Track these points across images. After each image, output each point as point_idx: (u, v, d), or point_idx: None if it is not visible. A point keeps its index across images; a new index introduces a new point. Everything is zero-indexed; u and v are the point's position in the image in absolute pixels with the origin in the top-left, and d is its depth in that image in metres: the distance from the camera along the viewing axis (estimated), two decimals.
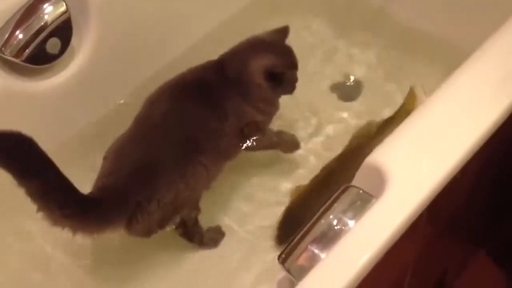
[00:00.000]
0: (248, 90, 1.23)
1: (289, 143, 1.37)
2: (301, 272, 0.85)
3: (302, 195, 1.29)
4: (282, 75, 1.25)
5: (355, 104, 1.50)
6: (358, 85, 1.53)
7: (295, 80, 1.28)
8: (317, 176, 1.31)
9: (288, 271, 0.87)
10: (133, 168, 1.13)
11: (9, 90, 1.23)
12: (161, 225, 1.18)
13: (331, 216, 0.88)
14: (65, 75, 1.31)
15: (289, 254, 0.87)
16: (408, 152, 0.88)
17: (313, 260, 0.85)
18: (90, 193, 1.12)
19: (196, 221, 1.25)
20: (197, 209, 1.24)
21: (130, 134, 1.20)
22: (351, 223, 0.86)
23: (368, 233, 0.81)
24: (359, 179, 0.91)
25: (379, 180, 0.86)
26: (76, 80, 1.32)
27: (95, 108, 1.39)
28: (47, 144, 1.01)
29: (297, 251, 0.87)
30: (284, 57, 1.26)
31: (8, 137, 0.96)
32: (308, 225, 0.89)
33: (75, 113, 1.36)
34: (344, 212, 0.88)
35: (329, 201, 0.90)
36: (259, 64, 1.23)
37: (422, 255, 1.07)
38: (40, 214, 1.02)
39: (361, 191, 0.88)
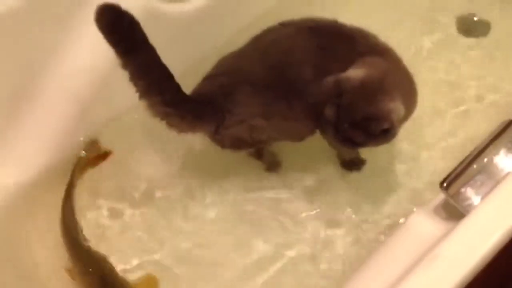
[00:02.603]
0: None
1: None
2: (467, 201, 0.87)
3: None
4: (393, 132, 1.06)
5: None
6: None
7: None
8: None
9: (451, 197, 0.88)
10: (227, 79, 1.13)
11: (149, 9, 1.25)
12: (235, 144, 1.18)
13: (497, 149, 0.88)
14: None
15: (453, 181, 0.89)
16: None
17: (480, 191, 0.86)
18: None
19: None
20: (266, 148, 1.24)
21: (243, 48, 1.18)
22: None
23: None
24: None
25: None
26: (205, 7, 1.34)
27: (220, 34, 1.41)
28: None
29: (462, 180, 0.88)
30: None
31: (116, 12, 0.96)
32: (473, 155, 0.89)
33: (202, 37, 1.38)
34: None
35: (494, 133, 0.90)
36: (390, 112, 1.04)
37: None
38: None
39: None
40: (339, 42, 1.13)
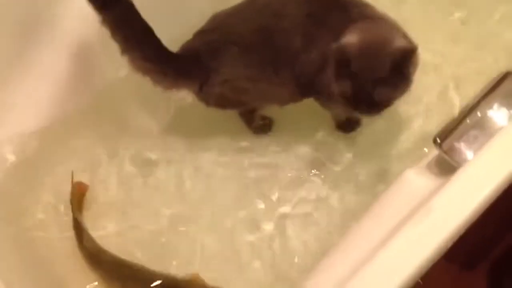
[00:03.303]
0: None
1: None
2: (460, 156, 0.86)
3: None
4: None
5: None
6: None
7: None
8: None
9: (445, 152, 0.88)
10: (216, 38, 1.12)
11: None
12: (219, 103, 1.18)
13: (491, 104, 0.88)
14: None
15: (446, 137, 0.88)
16: None
17: (473, 145, 0.86)
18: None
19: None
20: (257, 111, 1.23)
21: (237, 7, 1.15)
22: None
23: None
24: None
25: None
26: None
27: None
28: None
29: (455, 135, 0.88)
30: None
31: None
32: (466, 110, 0.89)
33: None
34: (506, 99, 0.87)
35: (487, 88, 0.89)
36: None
37: None
38: None
39: None
40: (331, 10, 1.10)
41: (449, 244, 0.74)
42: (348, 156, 1.22)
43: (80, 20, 1.20)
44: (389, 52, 0.97)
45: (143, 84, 1.11)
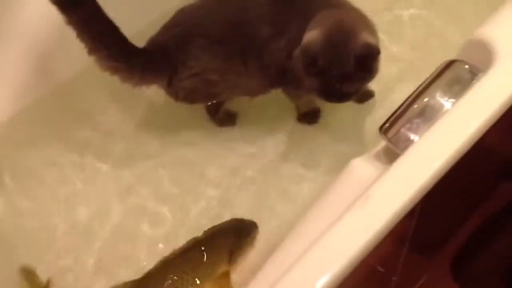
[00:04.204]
0: None
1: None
2: (404, 144, 0.87)
3: None
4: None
5: None
6: None
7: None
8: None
9: (389, 141, 0.88)
10: (183, 31, 1.13)
11: None
12: (189, 97, 1.18)
13: (434, 92, 0.89)
14: None
15: (391, 125, 0.89)
16: None
17: (417, 133, 0.87)
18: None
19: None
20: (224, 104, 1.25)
21: (201, 0, 1.17)
22: (454, 98, 0.87)
23: (479, 103, 0.81)
24: (463, 55, 0.90)
25: (486, 55, 0.85)
26: None
27: None
28: None
29: (399, 123, 0.89)
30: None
31: None
32: (411, 99, 0.90)
33: None
34: (449, 86, 0.88)
35: (432, 76, 0.90)
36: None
37: None
38: None
39: (466, 66, 0.88)
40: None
41: (387, 230, 0.75)
42: (315, 144, 1.25)
43: (39, 16, 1.20)
44: (353, 48, 1.00)
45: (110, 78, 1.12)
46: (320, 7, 1.09)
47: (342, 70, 1.01)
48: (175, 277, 1.01)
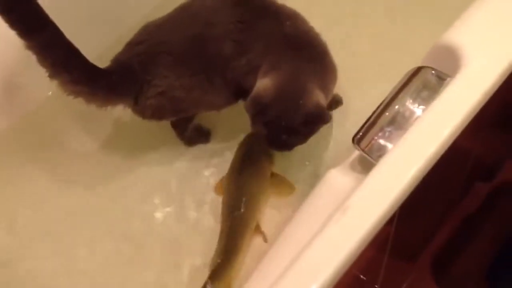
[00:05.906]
0: None
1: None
2: (378, 153, 0.88)
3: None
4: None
5: None
6: None
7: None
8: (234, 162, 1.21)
9: (363, 151, 0.89)
10: (147, 49, 1.13)
11: None
12: (156, 114, 1.18)
13: (404, 99, 0.89)
14: None
15: (364, 135, 0.89)
16: (483, 30, 0.88)
17: (390, 141, 0.87)
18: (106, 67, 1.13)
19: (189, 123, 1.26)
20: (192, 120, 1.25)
21: (168, 17, 1.16)
22: (424, 104, 0.88)
23: (449, 108, 0.82)
24: (429, 61, 0.91)
25: (453, 60, 0.86)
26: None
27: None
28: None
29: (372, 132, 0.89)
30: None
31: None
32: (381, 107, 0.90)
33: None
34: (418, 93, 0.89)
35: (400, 84, 0.91)
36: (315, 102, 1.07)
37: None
38: None
39: (433, 71, 0.89)
40: (262, 18, 1.13)
41: (368, 240, 0.75)
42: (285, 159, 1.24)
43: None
44: (305, 106, 1.05)
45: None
46: (286, 35, 1.11)
47: (290, 124, 1.06)
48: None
